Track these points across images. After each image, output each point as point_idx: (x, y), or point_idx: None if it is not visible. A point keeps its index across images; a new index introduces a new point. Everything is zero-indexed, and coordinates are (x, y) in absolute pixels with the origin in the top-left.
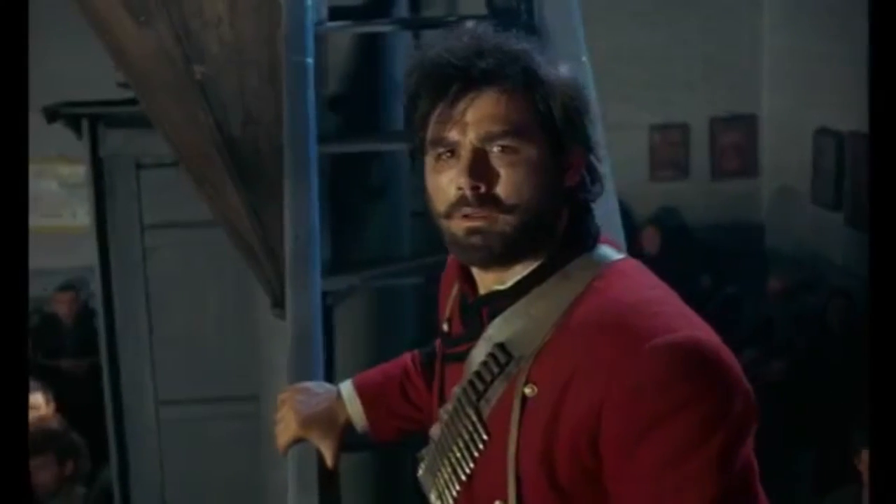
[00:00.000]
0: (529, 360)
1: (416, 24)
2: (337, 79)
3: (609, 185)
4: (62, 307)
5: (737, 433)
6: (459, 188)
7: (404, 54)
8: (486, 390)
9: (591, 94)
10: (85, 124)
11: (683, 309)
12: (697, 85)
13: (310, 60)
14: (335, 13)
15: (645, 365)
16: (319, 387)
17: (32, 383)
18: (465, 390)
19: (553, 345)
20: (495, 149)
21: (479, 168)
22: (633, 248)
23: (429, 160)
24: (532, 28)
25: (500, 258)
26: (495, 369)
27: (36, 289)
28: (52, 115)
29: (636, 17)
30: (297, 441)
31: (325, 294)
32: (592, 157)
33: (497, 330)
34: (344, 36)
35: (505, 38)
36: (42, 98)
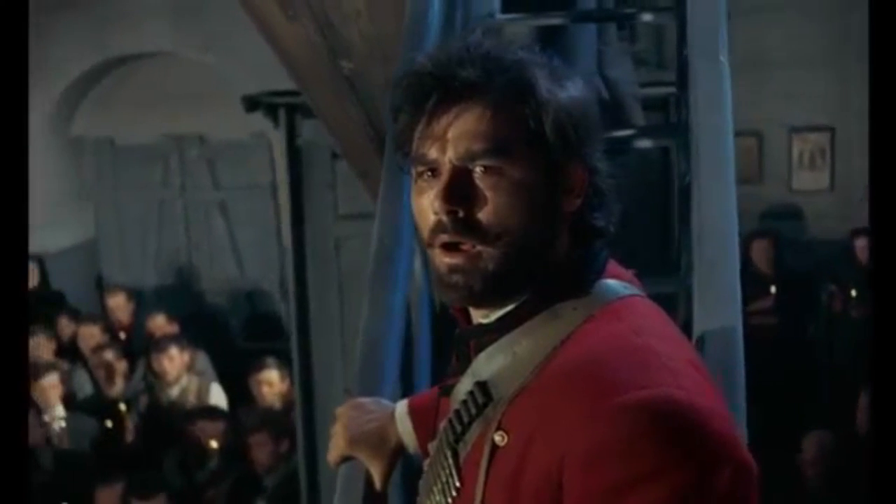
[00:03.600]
0: (505, 404)
1: (593, 17)
2: None
3: (732, 227)
4: None
5: None
6: (436, 213)
7: (589, 51)
8: (464, 432)
9: (727, 97)
10: (282, 113)
11: (676, 363)
12: None
13: None
14: (510, 4)
15: (608, 425)
16: (376, 404)
17: (269, 360)
18: (445, 430)
19: (530, 391)
20: (478, 169)
21: (459, 190)
22: None
23: (413, 180)
24: None
25: (482, 298)
26: (473, 410)
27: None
28: (251, 104)
29: None
30: (348, 459)
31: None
32: (598, 181)
33: (480, 366)
34: (521, 29)
35: (499, 47)
36: (244, 87)
